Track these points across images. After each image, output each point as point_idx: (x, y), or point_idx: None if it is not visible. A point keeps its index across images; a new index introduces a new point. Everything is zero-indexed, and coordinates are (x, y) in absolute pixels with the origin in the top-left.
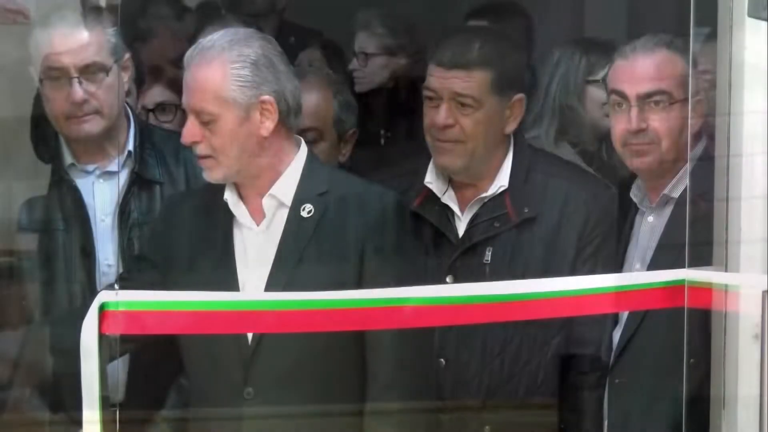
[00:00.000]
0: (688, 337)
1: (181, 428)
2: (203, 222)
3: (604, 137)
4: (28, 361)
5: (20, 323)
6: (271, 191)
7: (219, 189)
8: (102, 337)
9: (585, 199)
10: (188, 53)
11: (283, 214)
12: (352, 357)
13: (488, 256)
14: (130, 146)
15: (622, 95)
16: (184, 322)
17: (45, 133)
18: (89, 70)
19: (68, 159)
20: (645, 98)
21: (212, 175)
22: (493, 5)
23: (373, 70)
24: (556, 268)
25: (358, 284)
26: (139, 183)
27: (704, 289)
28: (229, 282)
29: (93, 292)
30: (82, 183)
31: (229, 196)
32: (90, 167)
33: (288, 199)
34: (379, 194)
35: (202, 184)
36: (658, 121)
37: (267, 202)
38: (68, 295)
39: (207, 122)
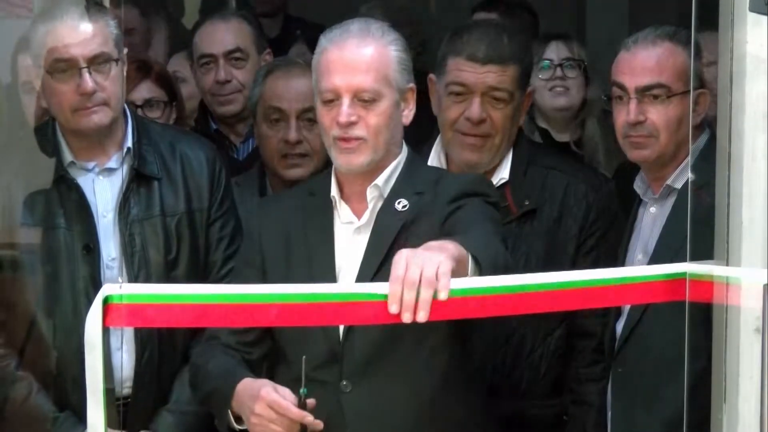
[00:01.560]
0: (689, 330)
1: None
2: (303, 222)
3: None
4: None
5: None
6: (376, 181)
7: (320, 187)
8: (105, 330)
9: (585, 192)
10: (327, 39)
11: (378, 206)
12: (441, 339)
13: None
14: (129, 143)
15: (622, 87)
16: (186, 315)
17: (45, 130)
18: (97, 61)
19: (68, 157)
20: (644, 91)
21: (357, 159)
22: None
23: None
24: (558, 259)
25: None
26: (138, 179)
27: (705, 283)
28: (329, 279)
29: (97, 286)
30: (83, 180)
31: (335, 192)
32: (89, 165)
33: (386, 192)
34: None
35: (295, 186)
36: (656, 114)
37: (371, 193)
38: (72, 289)
39: (367, 101)
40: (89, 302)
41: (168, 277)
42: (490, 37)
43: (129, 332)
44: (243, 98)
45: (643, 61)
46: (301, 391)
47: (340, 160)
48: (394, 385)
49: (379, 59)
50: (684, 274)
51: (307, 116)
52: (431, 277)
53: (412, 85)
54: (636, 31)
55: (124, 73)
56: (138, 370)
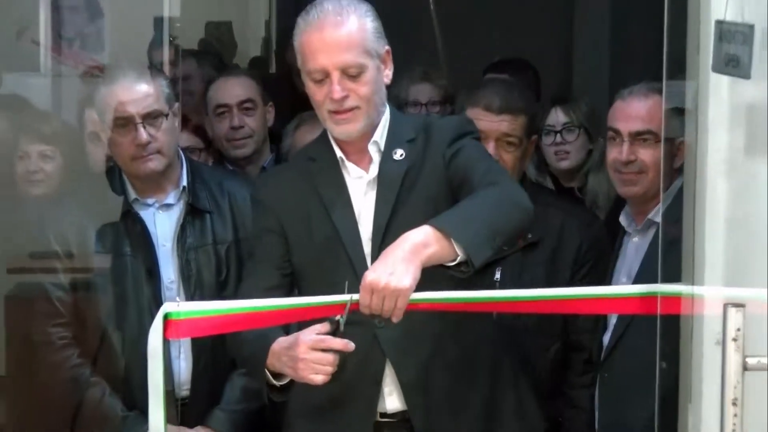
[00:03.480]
0: (660, 341)
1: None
2: (312, 183)
3: None
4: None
5: (97, 330)
6: (374, 138)
7: (319, 152)
8: (165, 342)
9: (578, 227)
10: (305, 20)
11: (378, 160)
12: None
13: (498, 275)
14: (184, 182)
15: (617, 131)
16: (228, 322)
17: (113, 173)
18: (150, 117)
19: (132, 194)
20: (636, 135)
21: (355, 126)
22: (509, 61)
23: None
24: (556, 285)
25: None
26: (192, 213)
27: (674, 300)
28: (350, 227)
29: (158, 304)
30: (145, 215)
31: (340, 153)
32: (150, 201)
33: (383, 145)
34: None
35: (293, 159)
36: (646, 155)
37: (372, 148)
38: (137, 307)
39: (355, 75)
40: (152, 318)
41: (219, 296)
42: (504, 91)
43: (187, 343)
44: (254, 143)
45: (636, 110)
46: (339, 318)
47: (339, 130)
48: (424, 316)
49: (358, 34)
50: (656, 293)
51: None
52: (389, 312)
53: (387, 47)
54: (615, 79)
55: (177, 124)
56: (194, 375)
